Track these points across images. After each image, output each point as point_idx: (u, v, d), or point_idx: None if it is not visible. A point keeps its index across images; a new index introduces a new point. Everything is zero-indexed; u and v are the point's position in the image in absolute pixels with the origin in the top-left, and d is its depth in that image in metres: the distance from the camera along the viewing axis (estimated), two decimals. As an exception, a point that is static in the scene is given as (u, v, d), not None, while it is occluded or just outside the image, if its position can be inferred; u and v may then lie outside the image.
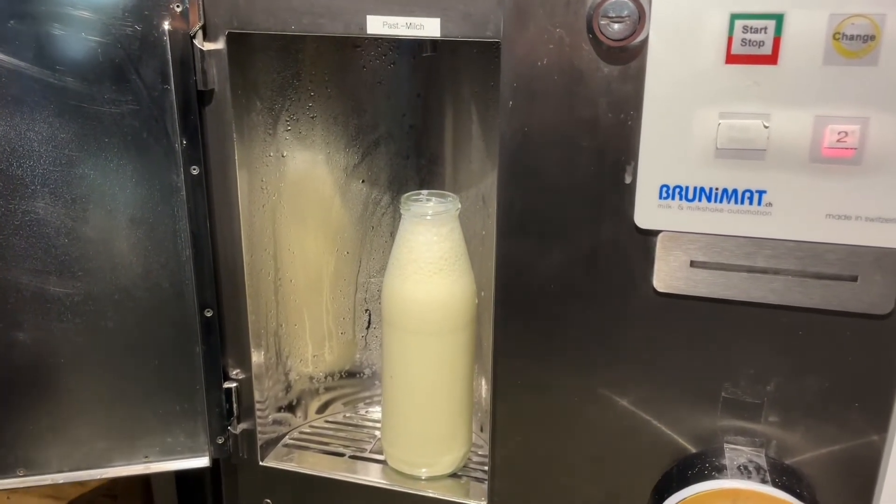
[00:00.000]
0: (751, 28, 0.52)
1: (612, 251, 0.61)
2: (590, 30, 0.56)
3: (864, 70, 0.51)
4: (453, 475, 0.80)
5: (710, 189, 0.57)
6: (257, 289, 0.78)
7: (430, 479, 0.79)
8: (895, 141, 0.52)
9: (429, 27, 0.62)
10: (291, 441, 0.86)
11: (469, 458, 0.82)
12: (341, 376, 0.93)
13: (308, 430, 0.89)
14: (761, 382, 0.60)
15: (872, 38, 0.51)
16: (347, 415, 0.93)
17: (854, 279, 0.56)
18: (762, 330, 0.59)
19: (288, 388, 0.87)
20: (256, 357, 0.78)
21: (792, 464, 0.61)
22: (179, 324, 0.74)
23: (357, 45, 0.83)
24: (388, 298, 0.76)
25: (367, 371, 0.95)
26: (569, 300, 0.63)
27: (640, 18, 0.55)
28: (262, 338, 0.80)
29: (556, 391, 0.66)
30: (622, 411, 0.65)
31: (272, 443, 0.84)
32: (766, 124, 0.54)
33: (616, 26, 0.55)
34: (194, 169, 0.70)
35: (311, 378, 0.91)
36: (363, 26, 0.63)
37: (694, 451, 0.64)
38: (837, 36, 0.51)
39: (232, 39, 0.67)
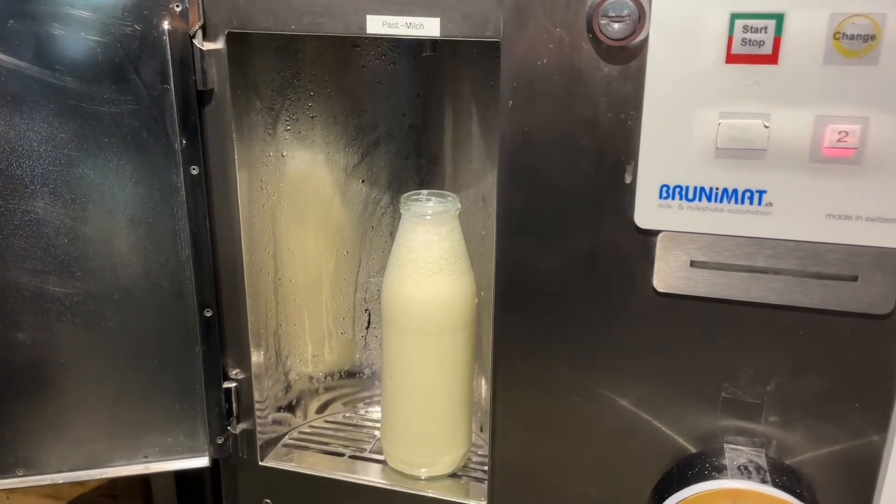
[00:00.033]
0: (751, 28, 0.52)
1: (612, 251, 0.61)
2: (590, 29, 0.56)
3: (865, 70, 0.51)
4: (453, 475, 0.80)
5: (711, 189, 0.57)
6: (257, 289, 0.78)
7: (430, 479, 0.79)
8: (895, 141, 0.52)
9: (428, 27, 0.62)
10: (291, 441, 0.86)
11: (469, 458, 0.82)
12: (341, 376, 0.93)
13: (308, 430, 0.89)
14: (761, 382, 0.60)
15: (873, 37, 0.51)
16: (347, 415, 0.93)
17: (854, 279, 0.56)
18: (762, 330, 0.59)
19: (287, 387, 0.87)
20: (256, 357, 0.78)
21: (792, 464, 0.61)
22: (179, 324, 0.74)
23: (357, 45, 0.83)
24: (387, 298, 0.76)
25: (366, 371, 0.95)
26: (569, 300, 0.63)
27: (640, 18, 0.55)
28: (262, 338, 0.80)
29: (556, 391, 0.66)
30: (622, 411, 0.64)
31: (272, 443, 0.84)
32: (767, 124, 0.54)
33: (616, 26, 0.55)
34: (194, 169, 0.70)
35: (311, 378, 0.91)
36: (363, 26, 0.63)
37: (694, 451, 0.64)
38: (838, 35, 0.51)
39: (232, 39, 0.67)
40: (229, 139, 0.70)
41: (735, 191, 0.56)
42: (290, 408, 0.88)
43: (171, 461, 0.78)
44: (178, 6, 0.65)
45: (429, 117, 0.86)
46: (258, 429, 0.80)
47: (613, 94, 0.57)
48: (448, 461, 0.79)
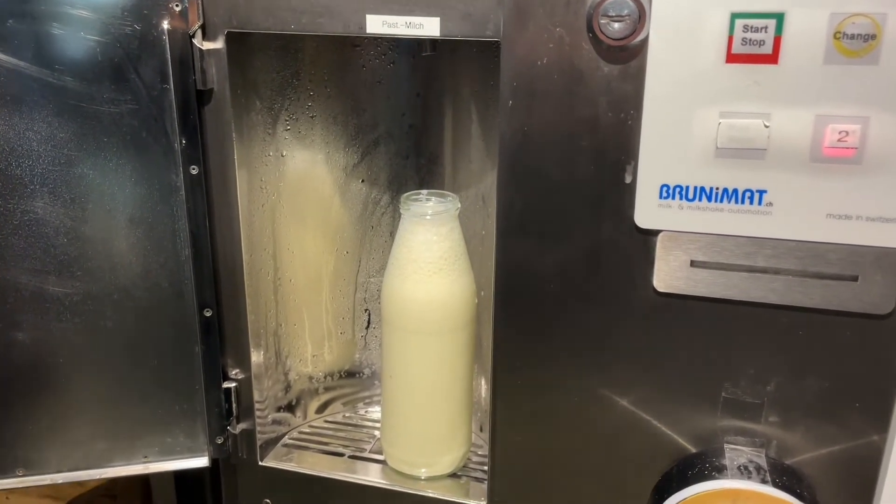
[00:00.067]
0: (751, 27, 0.52)
1: (612, 251, 0.61)
2: (590, 29, 0.56)
3: (865, 69, 0.51)
4: (453, 475, 0.80)
5: (711, 189, 0.56)
6: (257, 288, 0.78)
7: (430, 479, 0.79)
8: (895, 140, 0.52)
9: (428, 26, 0.62)
10: (291, 441, 0.86)
11: (469, 458, 0.82)
12: (341, 376, 0.93)
13: (307, 430, 0.88)
14: (761, 382, 0.60)
15: (873, 37, 0.51)
16: (347, 415, 0.93)
17: (854, 279, 0.56)
18: (762, 330, 0.59)
19: (287, 387, 0.87)
20: (256, 357, 0.78)
21: (792, 464, 0.61)
22: (179, 323, 0.74)
23: (356, 45, 0.83)
24: (387, 298, 0.76)
25: (366, 371, 0.95)
26: (569, 300, 0.63)
27: (641, 18, 0.54)
28: (262, 337, 0.80)
29: (556, 391, 0.66)
30: (622, 411, 0.64)
31: (271, 443, 0.84)
32: (767, 124, 0.54)
33: (616, 25, 0.55)
34: (193, 168, 0.70)
35: (311, 378, 0.90)
36: (362, 26, 0.63)
37: (694, 451, 0.64)
38: (838, 35, 0.51)
39: (231, 39, 0.67)
40: (229, 139, 0.70)
41: (735, 190, 0.56)
42: (290, 408, 0.88)
43: (171, 461, 0.78)
44: (177, 6, 0.65)
45: (428, 117, 0.86)
46: (258, 429, 0.79)
47: (613, 94, 0.57)
48: (448, 461, 0.79)
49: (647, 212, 0.59)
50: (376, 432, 0.88)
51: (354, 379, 0.94)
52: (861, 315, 0.56)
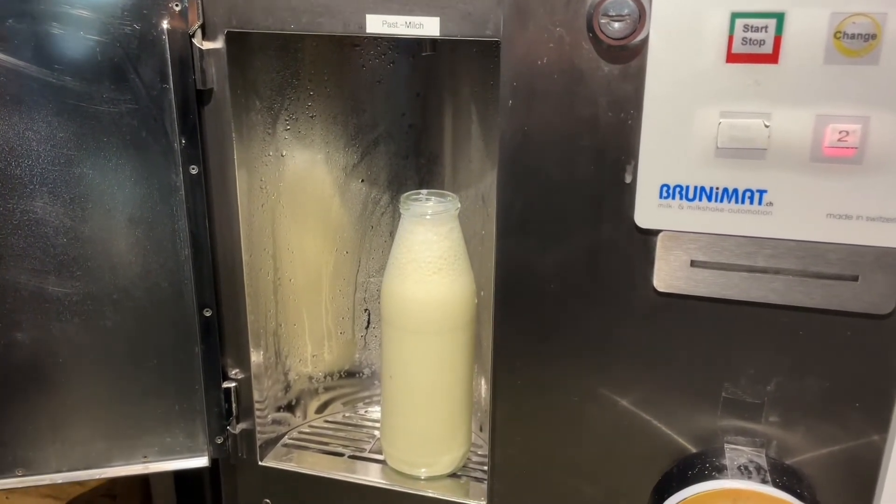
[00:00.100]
0: (751, 27, 0.52)
1: (613, 251, 0.61)
2: (590, 28, 0.56)
3: (866, 69, 0.51)
4: (453, 475, 0.80)
5: (711, 188, 0.56)
6: (256, 288, 0.78)
7: (430, 478, 0.79)
8: (896, 140, 0.52)
9: (428, 26, 0.62)
10: (291, 441, 0.86)
11: (469, 458, 0.82)
12: (340, 376, 0.93)
13: (307, 430, 0.88)
14: (762, 382, 0.60)
15: (873, 36, 0.50)
16: (347, 414, 0.93)
17: (855, 279, 0.56)
18: (763, 330, 0.59)
19: (287, 387, 0.87)
20: (255, 357, 0.78)
21: (792, 464, 0.61)
22: (178, 323, 0.74)
23: (356, 45, 0.83)
24: (387, 298, 0.76)
25: (366, 371, 0.94)
26: (569, 300, 0.63)
27: (641, 17, 0.54)
28: (262, 337, 0.80)
29: (556, 391, 0.66)
30: (622, 411, 0.64)
31: (271, 443, 0.84)
32: (767, 123, 0.54)
33: (616, 25, 0.55)
34: (193, 168, 0.70)
35: (311, 378, 0.90)
36: (362, 25, 0.63)
37: (694, 451, 0.63)
38: (838, 35, 0.51)
39: (231, 38, 0.67)
40: (228, 139, 0.70)
41: (735, 190, 0.56)
42: (290, 408, 0.88)
43: (171, 461, 0.78)
44: (177, 5, 0.65)
45: (428, 117, 0.86)
46: (258, 429, 0.79)
47: (613, 94, 0.57)
48: (448, 461, 0.79)
49: (647, 212, 0.59)
50: (376, 432, 0.88)
51: (354, 379, 0.94)
52: (861, 315, 0.56)
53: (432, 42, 0.80)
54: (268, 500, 0.81)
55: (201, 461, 0.78)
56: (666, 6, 0.54)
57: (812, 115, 0.53)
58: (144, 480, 0.98)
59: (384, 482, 0.78)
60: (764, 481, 0.58)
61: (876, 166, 0.53)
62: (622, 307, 0.62)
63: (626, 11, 0.54)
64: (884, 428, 0.58)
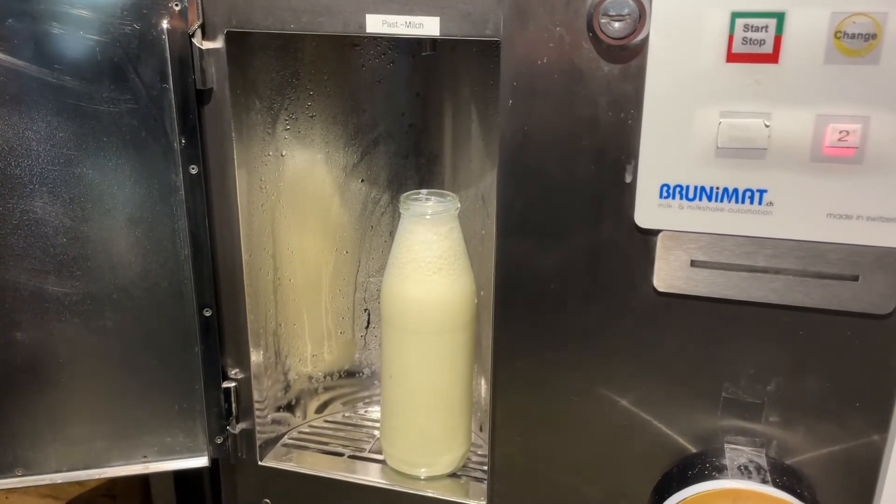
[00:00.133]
0: (752, 27, 0.52)
1: (613, 251, 0.61)
2: (590, 28, 0.56)
3: (866, 69, 0.51)
4: (453, 475, 0.80)
5: (711, 188, 0.56)
6: (256, 288, 0.78)
7: (430, 478, 0.79)
8: (896, 140, 0.52)
9: (428, 26, 0.62)
10: (290, 441, 0.86)
11: (468, 458, 0.82)
12: (340, 376, 0.93)
13: (307, 430, 0.88)
14: (762, 382, 0.60)
15: (874, 36, 0.50)
16: (346, 414, 0.93)
17: (855, 279, 0.55)
18: (763, 330, 0.59)
19: (287, 387, 0.87)
20: (255, 357, 0.78)
21: (792, 464, 0.61)
22: (178, 323, 0.74)
23: (356, 44, 0.83)
24: (387, 298, 0.76)
25: (366, 371, 0.94)
26: (569, 300, 0.63)
27: (641, 17, 0.54)
28: (261, 337, 0.80)
29: (556, 391, 0.66)
30: (622, 411, 0.64)
31: (271, 442, 0.84)
32: (767, 123, 0.54)
33: (616, 25, 0.55)
34: (193, 168, 0.70)
35: (310, 378, 0.90)
36: (362, 25, 0.63)
37: (694, 450, 0.63)
38: (839, 34, 0.51)
39: (231, 38, 0.67)
40: (228, 138, 0.70)
41: (735, 190, 0.56)
42: (290, 407, 0.88)
43: (171, 461, 0.78)
44: (177, 5, 0.65)
45: (428, 117, 0.85)
46: (257, 428, 0.79)
47: (614, 94, 0.57)
48: (447, 461, 0.79)
49: (647, 211, 0.59)
50: (376, 432, 0.88)
51: (354, 379, 0.94)
52: (861, 315, 0.56)
53: (432, 42, 0.80)
54: (267, 500, 0.81)
55: (201, 461, 0.78)
56: (666, 6, 0.54)
57: (812, 115, 0.53)
58: (144, 480, 0.98)
59: (384, 482, 0.78)
60: (764, 481, 0.58)
61: (876, 166, 0.53)
62: (622, 307, 0.62)
63: (626, 11, 0.54)
64: (884, 428, 0.58)
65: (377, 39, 0.83)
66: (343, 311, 0.91)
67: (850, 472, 0.60)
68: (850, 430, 0.59)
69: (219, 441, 0.78)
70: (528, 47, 0.58)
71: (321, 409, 0.92)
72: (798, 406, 0.60)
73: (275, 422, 0.85)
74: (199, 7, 0.66)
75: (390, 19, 0.62)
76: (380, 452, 0.83)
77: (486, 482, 0.72)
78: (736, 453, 0.62)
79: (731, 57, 0.53)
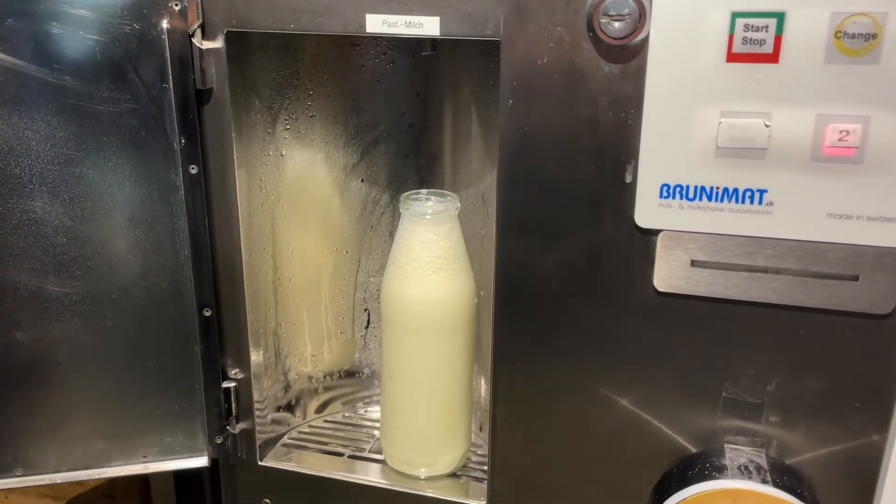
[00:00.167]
0: (752, 27, 0.52)
1: (613, 251, 0.61)
2: (590, 28, 0.56)
3: (866, 69, 0.51)
4: (453, 475, 0.80)
5: (711, 188, 0.56)
6: (256, 288, 0.78)
7: (430, 478, 0.79)
8: (896, 140, 0.52)
9: (428, 26, 0.62)
10: (290, 441, 0.86)
11: (468, 458, 0.82)
12: (340, 376, 0.93)
13: (307, 430, 0.88)
14: (762, 382, 0.60)
15: (874, 36, 0.50)
16: (346, 414, 0.93)
17: (855, 279, 0.55)
18: (763, 330, 0.59)
19: (287, 387, 0.87)
20: (255, 357, 0.78)
21: (793, 464, 0.61)
22: (178, 323, 0.74)
23: (356, 44, 0.83)
24: (387, 298, 0.76)
25: (366, 370, 0.94)
26: (569, 300, 0.63)
27: (641, 17, 0.54)
28: (261, 337, 0.80)
29: (556, 391, 0.66)
30: (622, 411, 0.64)
31: (271, 442, 0.84)
32: (768, 123, 0.54)
33: (616, 25, 0.55)
34: (193, 168, 0.69)
35: (310, 378, 0.90)
36: (362, 25, 0.63)
37: (694, 450, 0.63)
38: (839, 34, 0.51)
39: (231, 38, 0.67)
40: (228, 138, 0.70)
41: (736, 190, 0.56)
42: (290, 407, 0.88)
43: (170, 461, 0.78)
44: (176, 5, 0.65)
45: (428, 117, 0.85)
46: (257, 428, 0.79)
47: (614, 94, 0.57)
48: (447, 461, 0.79)
49: (647, 211, 0.59)
50: (376, 432, 0.88)
51: (354, 379, 0.94)
52: (861, 315, 0.56)
53: (432, 42, 0.80)
54: (267, 500, 0.81)
55: (201, 461, 0.78)
56: (666, 6, 0.54)
57: (812, 115, 0.53)
58: (144, 480, 0.98)
59: (384, 482, 0.78)
60: (764, 481, 0.58)
61: (876, 166, 0.53)
62: (622, 307, 0.62)
63: (626, 11, 0.54)
64: (884, 428, 0.58)
65: (377, 39, 0.83)
66: (343, 311, 0.91)
67: (850, 472, 0.60)
68: (850, 430, 0.59)
69: (219, 441, 0.78)
70: (528, 47, 0.58)
71: (321, 409, 0.92)
72: (798, 406, 0.60)
73: (275, 422, 0.85)
74: (199, 7, 0.66)
75: (390, 19, 0.62)
76: (380, 452, 0.83)
77: (486, 482, 0.72)
78: (736, 453, 0.62)
79: (732, 57, 0.53)
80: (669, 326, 0.61)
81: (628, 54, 0.56)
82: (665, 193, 0.58)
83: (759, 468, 0.60)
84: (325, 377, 0.92)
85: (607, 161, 0.59)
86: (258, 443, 0.80)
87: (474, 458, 0.83)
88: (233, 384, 0.77)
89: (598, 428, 0.65)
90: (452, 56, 0.82)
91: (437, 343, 0.76)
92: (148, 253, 0.72)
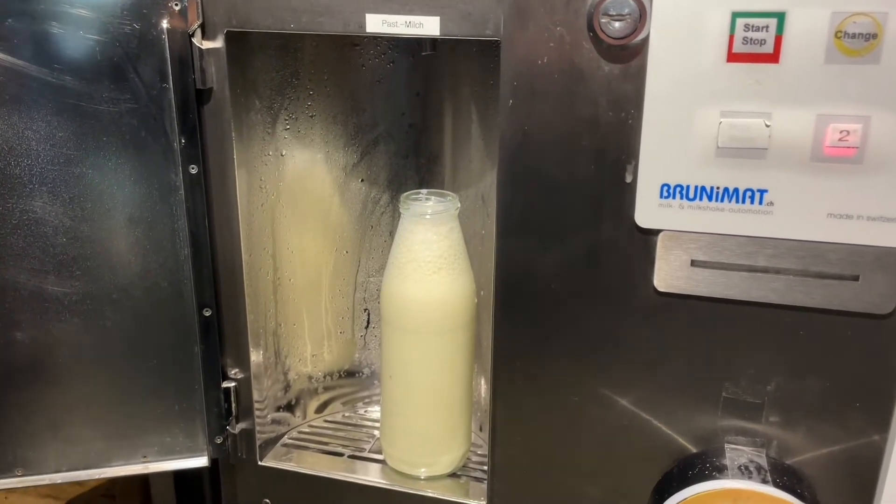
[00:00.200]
0: (752, 26, 0.52)
1: (613, 250, 0.61)
2: (590, 28, 0.56)
3: (866, 69, 0.51)
4: (452, 475, 0.80)
5: (711, 188, 0.56)
6: (256, 288, 0.77)
7: (430, 478, 0.79)
8: (897, 140, 0.52)
9: (428, 26, 0.62)
10: (290, 441, 0.86)
11: (468, 458, 0.82)
12: (340, 376, 0.93)
13: (307, 430, 0.88)
14: (762, 382, 0.60)
15: (874, 36, 0.50)
16: (346, 414, 0.93)
17: (855, 279, 0.55)
18: (763, 329, 0.59)
19: (287, 387, 0.87)
20: (255, 356, 0.78)
21: (793, 464, 0.61)
22: (178, 323, 0.74)
23: (356, 44, 0.83)
24: (387, 297, 0.76)
25: (366, 370, 0.94)
26: (569, 300, 0.63)
27: (641, 17, 0.54)
28: (261, 337, 0.80)
29: (556, 391, 0.66)
30: (622, 411, 0.64)
31: (271, 442, 0.84)
32: (768, 123, 0.54)
33: (617, 24, 0.55)
34: (193, 168, 0.69)
35: (310, 377, 0.90)
36: (362, 25, 0.63)
37: (694, 450, 0.63)
38: (839, 34, 0.51)
39: (231, 38, 0.67)
40: (228, 138, 0.70)
41: (736, 190, 0.56)
42: (290, 407, 0.88)
43: (170, 461, 0.78)
44: (176, 5, 0.65)
45: (428, 116, 0.85)
46: (257, 428, 0.79)
47: (614, 94, 0.57)
48: (447, 461, 0.79)
49: (647, 211, 0.59)
50: (376, 432, 0.88)
51: (354, 378, 0.94)
52: (862, 315, 0.56)
53: (432, 42, 0.80)
54: (267, 500, 0.81)
55: (201, 461, 0.78)
56: (666, 6, 0.54)
57: (813, 115, 0.53)
58: (144, 480, 0.98)
59: (384, 482, 0.78)
60: (764, 481, 0.58)
61: (877, 166, 0.53)
62: (622, 307, 0.62)
63: (626, 11, 0.54)
64: (884, 428, 0.58)
65: (377, 39, 0.83)
66: (343, 310, 0.91)
67: (850, 472, 0.60)
68: (850, 430, 0.59)
69: (218, 441, 0.78)
70: (528, 47, 0.58)
71: (321, 409, 0.92)
72: (798, 406, 0.60)
73: (275, 422, 0.85)
74: (199, 7, 0.66)
75: (390, 19, 0.62)
76: (380, 452, 0.83)
77: (486, 482, 0.72)
78: (736, 453, 0.62)
79: (732, 57, 0.53)
80: (669, 326, 0.61)
81: (628, 54, 0.56)
82: (665, 193, 0.58)
83: (759, 468, 0.60)
84: (325, 377, 0.92)
85: (607, 161, 0.59)
86: (258, 443, 0.80)
87: (474, 458, 0.83)
88: (233, 384, 0.77)
89: (598, 428, 0.65)
90: (452, 56, 0.82)
91: (437, 343, 0.76)
92: (148, 253, 0.72)
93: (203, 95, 0.69)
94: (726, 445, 0.62)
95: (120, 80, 0.67)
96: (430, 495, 0.76)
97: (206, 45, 0.67)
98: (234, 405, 0.78)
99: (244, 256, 0.74)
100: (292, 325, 0.86)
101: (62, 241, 0.70)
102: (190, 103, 0.68)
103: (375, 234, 0.90)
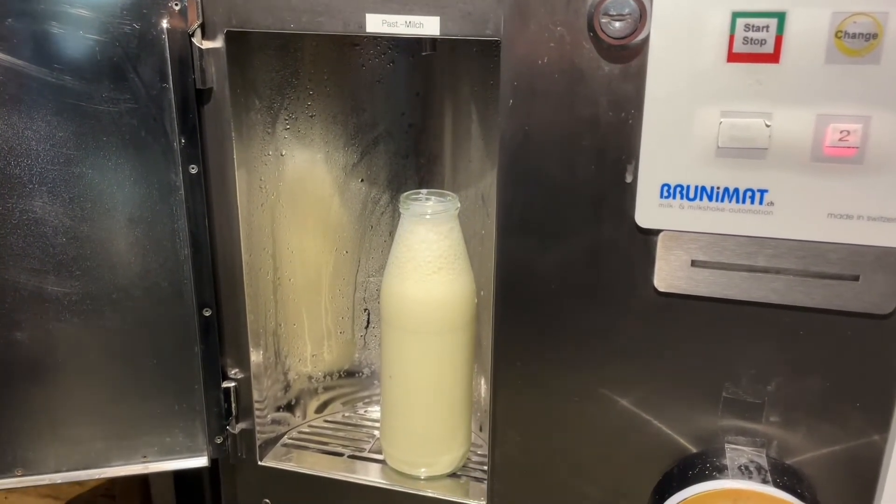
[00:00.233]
0: (752, 26, 0.52)
1: (613, 250, 0.61)
2: (590, 28, 0.56)
3: (867, 69, 0.51)
4: (452, 475, 0.80)
5: (712, 188, 0.56)
6: (256, 288, 0.77)
7: (430, 478, 0.79)
8: (897, 140, 0.52)
9: (428, 26, 0.62)
10: (290, 441, 0.86)
11: (468, 458, 0.82)
12: (340, 376, 0.93)
13: (307, 430, 0.88)
14: (762, 382, 0.60)
15: (875, 36, 0.50)
16: (346, 414, 0.93)
17: (856, 279, 0.55)
18: (763, 329, 0.59)
19: (287, 387, 0.87)
20: (255, 356, 0.78)
21: (793, 464, 0.61)
22: (178, 323, 0.74)
23: (356, 44, 0.83)
24: (386, 297, 0.76)
25: (365, 370, 0.94)
26: (569, 300, 0.63)
27: (642, 17, 0.54)
28: (261, 337, 0.80)
29: (556, 391, 0.66)
30: (622, 411, 0.64)
31: (271, 442, 0.84)
32: (768, 123, 0.54)
33: (617, 24, 0.55)
34: (193, 168, 0.69)
35: (310, 377, 0.90)
36: (362, 25, 0.63)
37: (695, 450, 0.63)
38: (839, 34, 0.51)
39: (231, 38, 0.67)
40: (228, 138, 0.70)
41: (736, 190, 0.56)
42: (290, 407, 0.88)
43: (170, 461, 0.78)
44: (176, 5, 0.65)
45: (428, 116, 0.85)
46: (257, 428, 0.79)
47: (614, 94, 0.57)
48: (447, 461, 0.79)
49: (647, 211, 0.58)
50: (376, 432, 0.88)
51: (354, 378, 0.94)
52: (862, 315, 0.56)
53: (432, 41, 0.80)
54: (267, 500, 0.81)
55: (201, 461, 0.78)
56: (667, 6, 0.54)
57: (813, 115, 0.53)
58: (144, 480, 0.98)
59: (384, 482, 0.78)
60: (764, 481, 0.58)
61: (877, 166, 0.53)
62: (622, 307, 0.62)
63: (626, 11, 0.54)
64: (884, 428, 0.58)
65: (377, 39, 0.82)
66: (343, 310, 0.91)
67: (850, 472, 0.60)
68: (850, 430, 0.59)
69: (218, 441, 0.78)
70: (528, 47, 0.58)
71: (321, 408, 0.92)
72: (798, 406, 0.60)
73: (275, 422, 0.85)
74: (199, 7, 0.66)
75: (390, 19, 0.62)
76: (380, 452, 0.83)
77: (486, 482, 0.72)
78: (736, 453, 0.62)
79: (732, 57, 0.53)
80: (670, 326, 0.61)
81: (629, 54, 0.56)
82: (665, 193, 0.58)
83: (759, 468, 0.60)
84: (324, 377, 0.92)
85: (608, 161, 0.59)
86: (258, 443, 0.80)
87: (474, 458, 0.83)
88: (233, 384, 0.77)
89: (598, 428, 0.65)
90: (452, 56, 0.82)
91: (437, 343, 0.76)
92: (148, 253, 0.72)
93: (203, 95, 0.69)
94: (726, 445, 0.62)
95: (120, 80, 0.66)
96: (430, 495, 0.76)
97: (206, 44, 0.67)
98: (233, 405, 0.78)
99: (244, 256, 0.74)
100: (292, 325, 0.86)
101: (62, 241, 0.70)
102: (190, 103, 0.68)
103: (375, 234, 0.90)
